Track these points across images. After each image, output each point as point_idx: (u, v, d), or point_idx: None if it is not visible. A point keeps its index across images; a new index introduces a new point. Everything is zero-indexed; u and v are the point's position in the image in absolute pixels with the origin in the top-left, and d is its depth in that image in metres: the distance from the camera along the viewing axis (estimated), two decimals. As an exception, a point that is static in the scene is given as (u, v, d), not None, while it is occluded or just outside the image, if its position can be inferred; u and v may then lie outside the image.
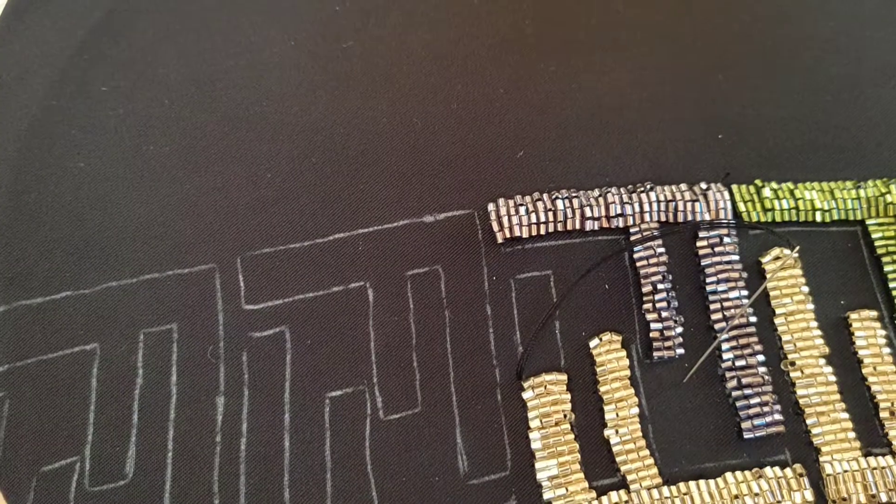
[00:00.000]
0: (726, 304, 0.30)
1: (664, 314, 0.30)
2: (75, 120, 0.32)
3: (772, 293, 0.31)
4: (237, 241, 0.31)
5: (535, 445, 0.28)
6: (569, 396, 0.29)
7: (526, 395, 0.29)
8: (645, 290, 0.30)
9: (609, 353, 0.29)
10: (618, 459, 0.28)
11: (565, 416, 0.28)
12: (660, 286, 0.30)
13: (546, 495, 0.27)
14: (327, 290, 0.30)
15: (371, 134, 0.32)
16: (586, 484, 0.27)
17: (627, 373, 0.29)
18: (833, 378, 0.29)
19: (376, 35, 0.34)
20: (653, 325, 0.30)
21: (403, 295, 0.30)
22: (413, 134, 0.33)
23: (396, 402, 0.28)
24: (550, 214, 0.31)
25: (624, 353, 0.29)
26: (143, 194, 0.31)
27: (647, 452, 0.28)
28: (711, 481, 0.28)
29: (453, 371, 0.29)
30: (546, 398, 0.29)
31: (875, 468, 0.28)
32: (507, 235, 0.31)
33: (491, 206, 0.31)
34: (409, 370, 0.29)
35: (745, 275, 0.31)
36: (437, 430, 0.28)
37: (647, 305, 0.30)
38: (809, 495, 0.27)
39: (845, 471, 0.28)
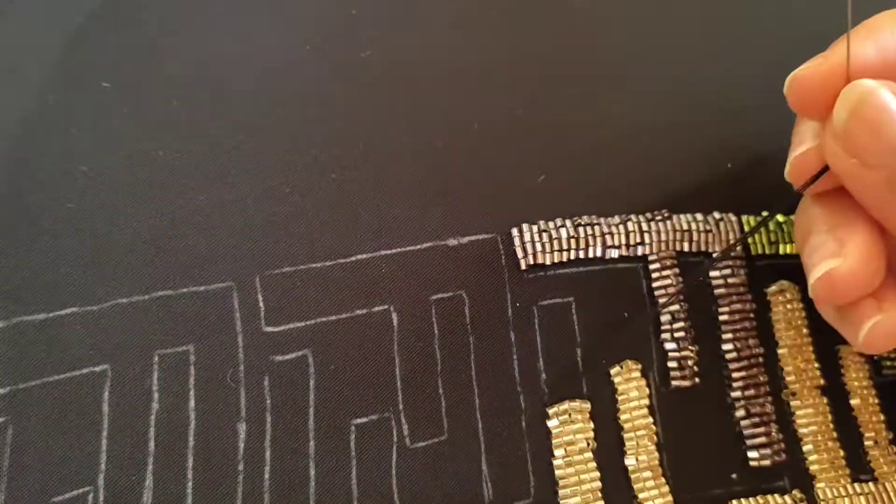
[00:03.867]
0: (737, 335, 0.31)
1: (682, 344, 0.31)
2: (75, 118, 0.30)
3: (776, 326, 0.32)
4: (255, 259, 0.29)
5: (558, 473, 0.28)
6: (592, 425, 0.29)
7: (551, 422, 0.29)
8: (663, 318, 0.31)
9: (629, 382, 0.30)
10: (635, 487, 0.29)
11: (588, 444, 0.29)
12: (677, 316, 0.31)
13: (568, 523, 0.28)
14: (351, 313, 0.29)
15: (392, 152, 0.32)
16: (607, 511, 0.28)
17: (647, 401, 0.30)
18: (828, 408, 0.31)
19: (395, 46, 0.33)
20: (671, 355, 0.31)
21: (428, 320, 0.30)
22: (433, 154, 0.32)
23: (423, 429, 0.28)
24: (573, 241, 0.31)
25: (644, 381, 0.30)
26: (153, 204, 0.29)
27: (662, 480, 0.29)
28: None
29: (478, 398, 0.29)
30: (570, 426, 0.29)
31: (861, 493, 0.30)
32: (531, 262, 0.31)
33: (515, 232, 0.31)
34: (435, 397, 0.29)
35: (754, 306, 0.32)
36: (463, 458, 0.28)
37: (666, 335, 0.31)
38: (809, 520, 0.29)
39: (837, 496, 0.30)
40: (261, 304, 0.29)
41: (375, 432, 0.28)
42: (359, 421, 0.28)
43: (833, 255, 0.25)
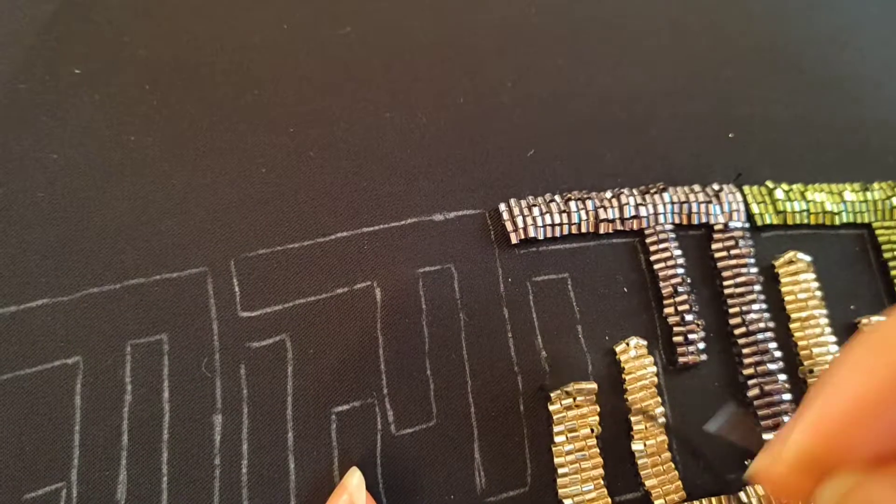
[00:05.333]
0: (744, 308, 0.29)
1: (687, 318, 0.29)
2: (46, 106, 0.29)
3: (786, 298, 0.30)
4: (230, 242, 0.28)
5: (558, 461, 0.27)
6: (597, 409, 0.27)
7: (553, 407, 0.27)
8: (665, 292, 0.29)
9: (637, 360, 0.28)
10: (642, 473, 0.27)
11: (592, 430, 0.27)
12: (680, 289, 0.29)
13: (568, 513, 0.26)
14: (331, 293, 0.28)
15: (373, 128, 0.30)
16: (609, 500, 0.26)
17: (655, 380, 0.28)
18: (848, 384, 0.29)
19: (375, 21, 0.32)
20: (676, 329, 0.29)
21: (415, 294, 0.28)
22: (418, 129, 0.30)
23: (409, 415, 0.27)
24: (564, 216, 0.30)
25: (651, 359, 0.28)
26: (124, 190, 0.28)
27: (671, 465, 0.27)
28: (733, 497, 0.27)
29: (471, 379, 0.27)
30: (574, 410, 0.27)
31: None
32: (522, 236, 0.29)
33: (503, 206, 0.30)
34: (423, 379, 0.27)
35: (760, 278, 0.30)
36: (453, 445, 0.27)
37: (669, 309, 0.29)
38: (830, 504, 0.27)
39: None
40: (236, 289, 0.28)
41: (358, 420, 0.26)
42: (340, 408, 0.26)
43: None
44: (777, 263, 0.31)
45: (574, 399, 0.27)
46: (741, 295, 0.30)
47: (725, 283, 0.30)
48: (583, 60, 0.33)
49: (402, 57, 0.32)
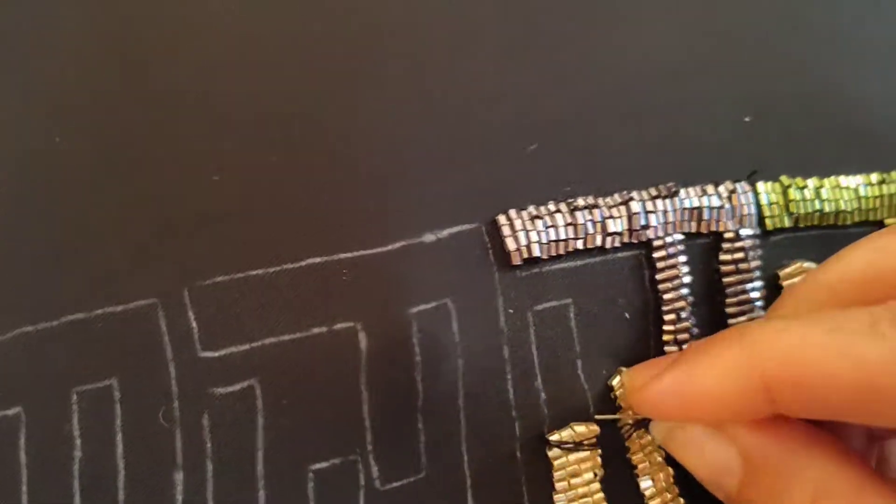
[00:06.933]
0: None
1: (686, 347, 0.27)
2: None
3: None
4: (181, 268, 0.24)
5: (559, 511, 0.25)
6: (599, 451, 0.26)
7: (552, 453, 0.25)
8: (667, 318, 0.27)
9: (628, 394, 0.26)
10: (648, 513, 0.26)
11: (595, 474, 0.25)
12: (682, 314, 0.27)
13: (567, 567, 0.25)
14: (306, 332, 0.24)
15: (345, 128, 0.25)
16: (612, 550, 0.25)
17: None
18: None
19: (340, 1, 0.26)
20: (671, 360, 0.27)
21: (406, 342, 0.25)
22: (398, 128, 0.26)
23: (396, 468, 0.24)
24: (570, 230, 0.26)
25: None
26: (52, 205, 0.24)
27: (681, 501, 0.26)
28: None
29: (465, 427, 0.25)
30: (574, 455, 0.25)
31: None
32: (525, 255, 0.26)
33: (502, 219, 0.26)
34: (413, 433, 0.25)
35: (765, 293, 0.28)
36: (444, 498, 0.24)
37: (668, 336, 0.27)
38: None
39: None
40: (193, 324, 0.24)
41: (339, 478, 0.24)
42: (318, 466, 0.24)
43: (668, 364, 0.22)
44: (782, 274, 0.28)
45: (574, 444, 0.25)
46: (743, 313, 0.27)
47: (728, 300, 0.27)
48: (587, 37, 0.28)
49: (372, 37, 0.26)
